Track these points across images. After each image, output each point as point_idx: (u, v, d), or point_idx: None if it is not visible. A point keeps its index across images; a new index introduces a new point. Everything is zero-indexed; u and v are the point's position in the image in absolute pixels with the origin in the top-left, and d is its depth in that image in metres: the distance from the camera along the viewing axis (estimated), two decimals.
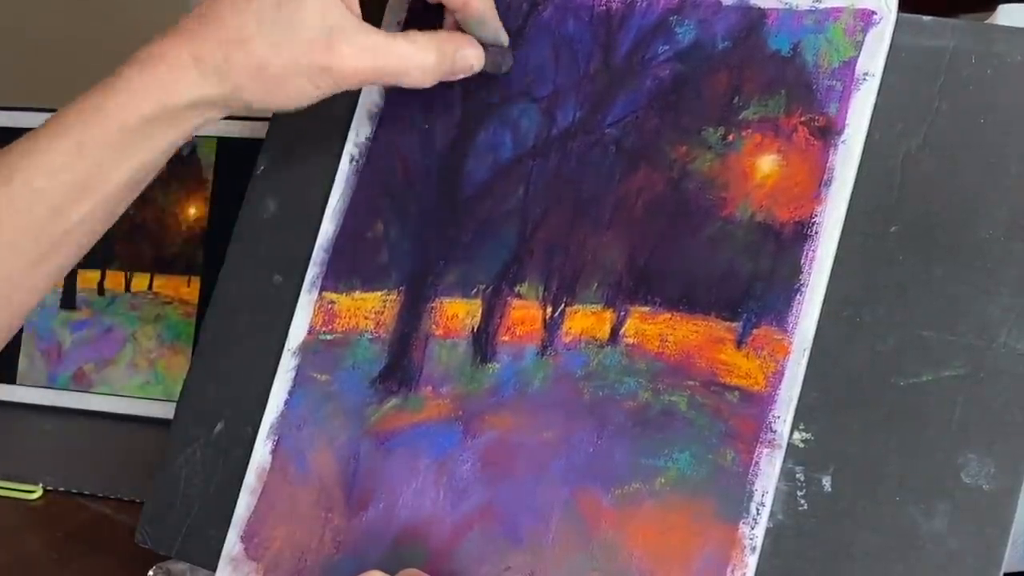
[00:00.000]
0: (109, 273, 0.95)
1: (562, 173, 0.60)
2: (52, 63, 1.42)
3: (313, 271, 0.65)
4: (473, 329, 0.60)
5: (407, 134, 0.64)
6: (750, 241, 0.55)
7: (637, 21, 0.60)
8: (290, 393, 0.63)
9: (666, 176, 0.58)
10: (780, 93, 0.56)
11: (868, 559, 0.50)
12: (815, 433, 0.52)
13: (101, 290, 0.95)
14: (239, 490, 0.63)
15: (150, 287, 0.94)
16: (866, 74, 0.54)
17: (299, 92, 0.58)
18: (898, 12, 0.55)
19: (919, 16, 0.55)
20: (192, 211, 0.94)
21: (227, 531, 0.63)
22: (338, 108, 0.64)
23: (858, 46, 0.55)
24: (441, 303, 0.61)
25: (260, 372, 0.65)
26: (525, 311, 0.59)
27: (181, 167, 0.91)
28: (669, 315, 0.56)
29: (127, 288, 0.95)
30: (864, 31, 0.55)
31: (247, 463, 0.63)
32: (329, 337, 0.63)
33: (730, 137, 0.57)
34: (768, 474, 0.52)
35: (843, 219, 0.54)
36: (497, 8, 0.61)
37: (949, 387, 0.51)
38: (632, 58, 0.60)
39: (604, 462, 0.55)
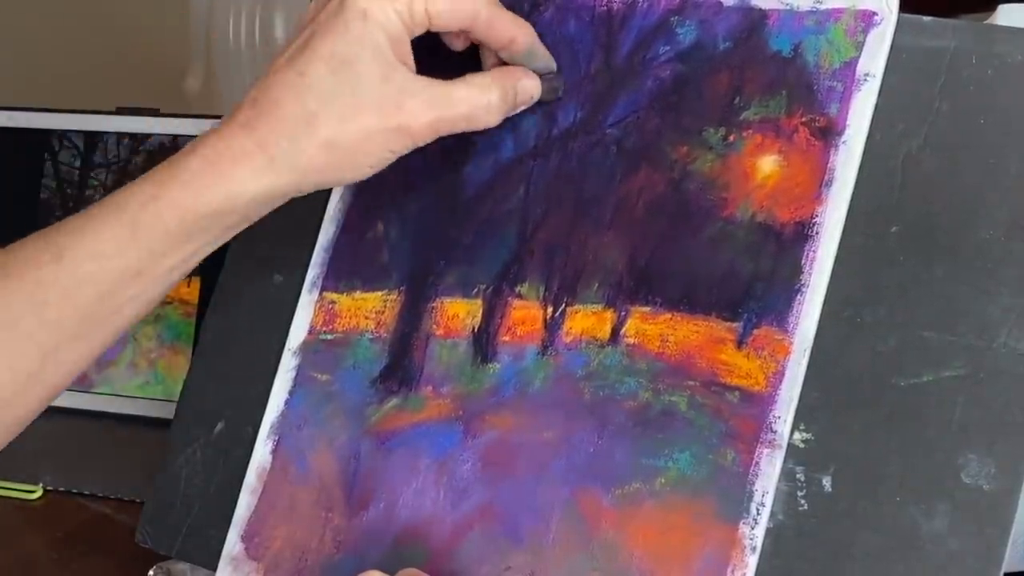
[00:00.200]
0: None
1: (563, 173, 0.60)
2: (52, 63, 1.42)
3: (313, 271, 0.65)
4: (474, 329, 0.60)
5: None
6: (751, 241, 0.55)
7: (638, 21, 0.60)
8: (290, 393, 0.63)
9: (667, 176, 0.58)
10: (781, 94, 0.56)
11: (868, 559, 0.50)
12: (815, 433, 0.52)
13: None
14: (239, 490, 0.63)
15: None
16: (867, 75, 0.54)
17: (373, 159, 0.56)
18: (899, 13, 0.55)
19: (920, 17, 0.55)
20: None
21: (227, 531, 0.63)
22: None
23: (859, 47, 0.55)
24: (442, 303, 0.61)
25: (260, 372, 0.65)
26: (526, 311, 0.59)
27: None
28: (670, 315, 0.56)
29: None
30: (865, 32, 0.55)
31: (247, 463, 0.63)
32: (330, 337, 0.63)
33: (731, 137, 0.57)
34: (768, 474, 0.52)
35: (844, 219, 0.54)
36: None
37: (949, 387, 0.51)
38: (633, 58, 0.60)
39: (604, 462, 0.55)
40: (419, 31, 0.56)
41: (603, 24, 0.61)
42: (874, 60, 0.55)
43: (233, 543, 0.62)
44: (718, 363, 0.54)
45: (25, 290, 0.56)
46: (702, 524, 0.52)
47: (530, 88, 0.59)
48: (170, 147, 0.93)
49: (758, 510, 0.52)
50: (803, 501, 0.52)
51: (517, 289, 0.59)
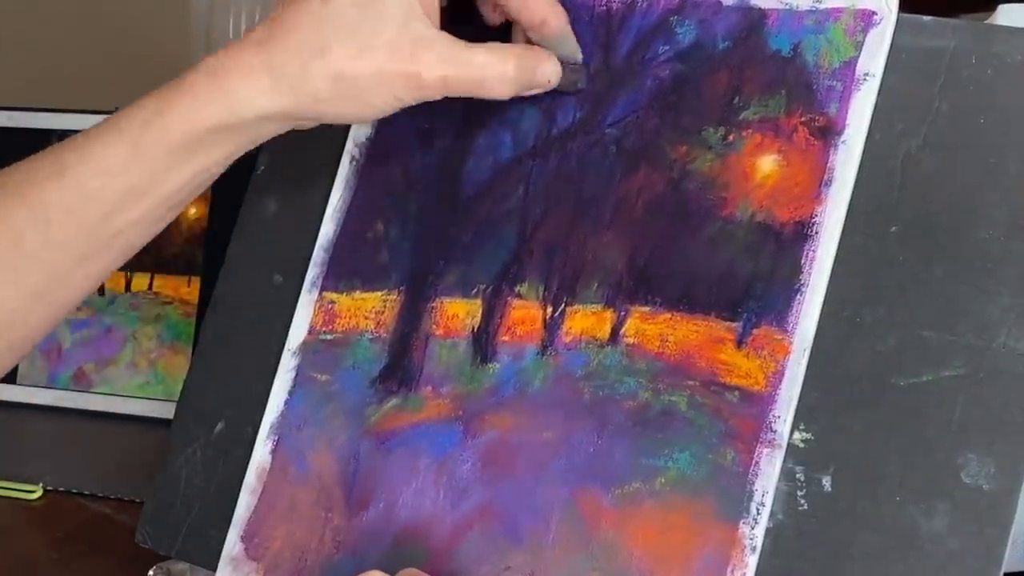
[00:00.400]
0: None
1: (562, 173, 0.60)
2: (52, 63, 1.42)
3: (313, 271, 0.65)
4: (473, 329, 0.60)
5: (407, 134, 0.64)
6: (750, 241, 0.55)
7: (637, 21, 0.60)
8: (290, 393, 0.63)
9: (666, 176, 0.58)
10: (780, 93, 0.56)
11: (868, 559, 0.50)
12: (815, 433, 0.52)
13: (101, 290, 0.95)
14: (239, 490, 0.63)
15: (150, 287, 0.94)
16: (866, 74, 0.54)
17: (380, 102, 0.56)
18: (898, 12, 0.55)
19: (919, 16, 0.55)
20: (192, 211, 0.94)
21: (227, 531, 0.63)
22: None
23: (858, 46, 0.55)
24: (441, 303, 0.61)
25: (260, 372, 0.65)
26: (525, 311, 0.59)
27: None
28: (669, 315, 0.56)
29: (127, 288, 0.95)
30: (864, 31, 0.55)
31: (247, 463, 0.63)
32: (329, 337, 0.63)
33: (730, 137, 0.57)
34: (768, 474, 0.52)
35: (843, 219, 0.54)
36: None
37: (949, 387, 0.51)
38: (632, 58, 0.60)
39: (604, 462, 0.55)
40: None
41: (602, 24, 0.61)
42: (874, 60, 0.54)
43: (233, 543, 0.62)
44: (718, 363, 0.54)
45: (28, 207, 0.56)
46: (702, 524, 0.52)
47: (549, 72, 0.58)
48: None
49: (758, 510, 0.52)
50: (803, 501, 0.52)
51: (517, 289, 0.59)
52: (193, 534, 0.65)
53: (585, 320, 0.57)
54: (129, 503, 0.80)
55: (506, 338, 0.59)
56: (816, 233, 0.54)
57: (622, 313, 0.57)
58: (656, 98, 0.59)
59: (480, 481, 0.57)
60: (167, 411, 0.76)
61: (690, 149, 0.57)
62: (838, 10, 0.56)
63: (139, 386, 0.93)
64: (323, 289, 0.64)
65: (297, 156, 0.68)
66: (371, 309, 0.63)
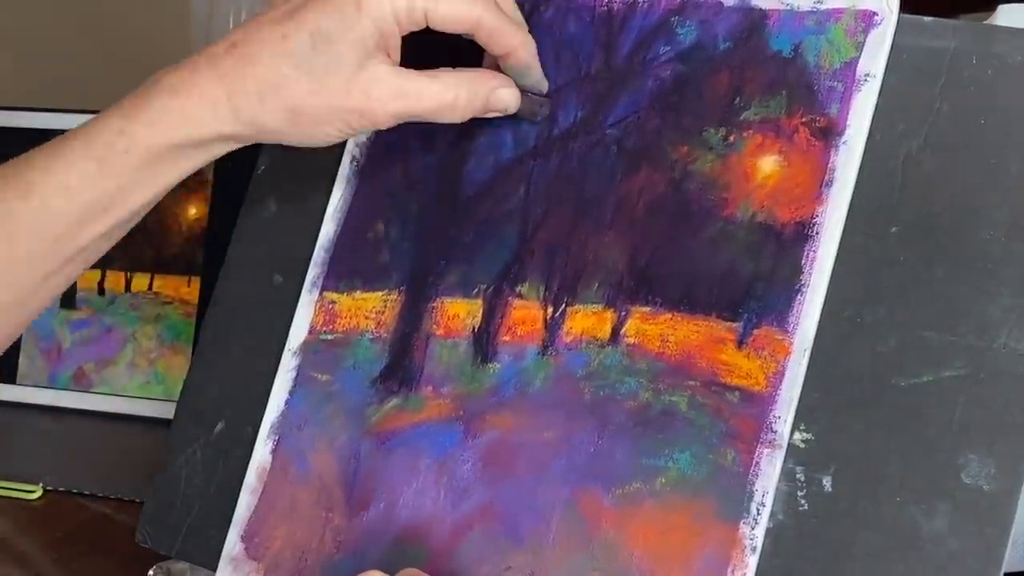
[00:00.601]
0: (109, 273, 0.95)
1: (563, 173, 0.60)
2: (52, 63, 1.42)
3: (314, 271, 0.65)
4: (474, 329, 0.60)
5: (407, 134, 0.64)
6: (751, 241, 0.55)
7: (638, 22, 0.60)
8: (291, 393, 0.63)
9: (667, 176, 0.58)
10: (781, 94, 0.56)
11: (868, 559, 0.50)
12: (816, 433, 0.52)
13: (101, 290, 0.95)
14: (239, 490, 0.63)
15: (150, 287, 0.94)
16: (867, 75, 0.54)
17: (334, 131, 0.58)
18: (899, 13, 0.55)
19: (920, 17, 0.55)
20: (192, 211, 0.94)
21: (227, 531, 0.63)
22: None
23: (859, 47, 0.55)
24: (442, 303, 0.61)
25: (260, 372, 0.65)
26: (526, 311, 0.59)
27: None
28: (670, 315, 0.56)
29: (127, 288, 0.95)
30: (865, 32, 0.55)
31: (247, 463, 0.63)
32: (330, 337, 0.63)
33: (731, 138, 0.57)
34: (768, 474, 0.52)
35: (844, 219, 0.54)
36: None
37: (949, 387, 0.51)
38: (633, 58, 0.60)
39: (605, 462, 0.55)
40: (414, 28, 0.57)
41: (603, 24, 0.61)
42: (874, 60, 0.55)
43: (233, 543, 0.62)
44: (718, 363, 0.54)
45: None
46: (702, 524, 0.52)
47: (506, 98, 0.59)
48: None
49: (758, 510, 0.52)
50: (803, 501, 0.52)
51: (517, 289, 0.59)
52: (193, 534, 0.65)
53: (586, 320, 0.57)
54: (129, 503, 0.80)
55: (507, 338, 0.59)
56: (817, 233, 0.54)
57: (623, 313, 0.57)
58: (657, 98, 0.59)
59: (481, 481, 0.57)
60: (167, 411, 0.76)
61: (691, 149, 0.57)
62: (839, 11, 0.56)
63: (139, 386, 0.93)
64: (323, 289, 0.64)
65: (297, 156, 0.68)
66: (372, 309, 0.63)
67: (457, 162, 0.63)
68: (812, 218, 0.54)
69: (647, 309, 0.56)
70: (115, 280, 0.95)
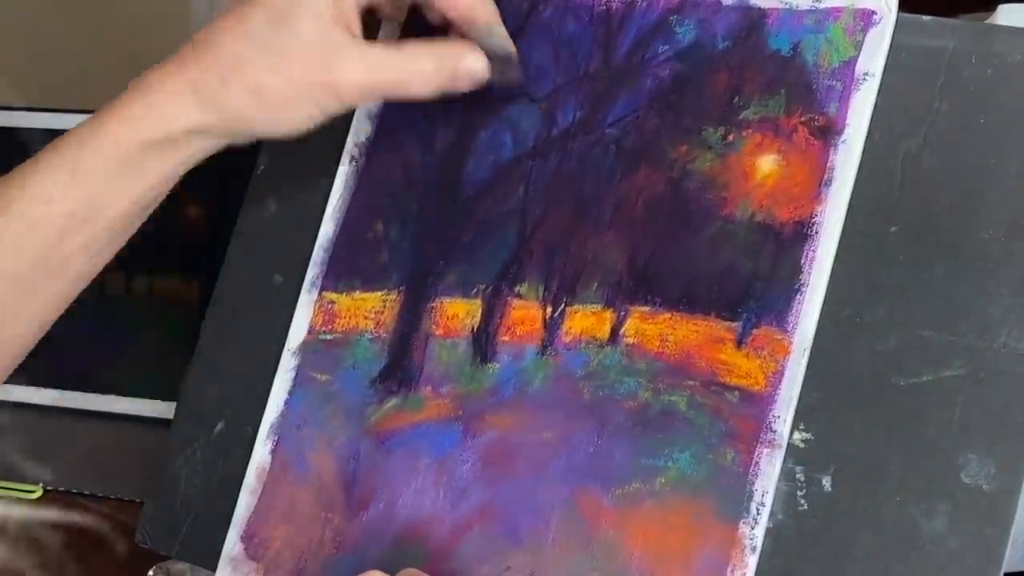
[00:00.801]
0: (109, 273, 0.95)
1: (562, 173, 0.60)
2: (52, 63, 1.42)
3: (313, 271, 0.65)
4: (473, 329, 0.60)
5: (407, 134, 0.64)
6: (750, 241, 0.55)
7: (637, 21, 0.60)
8: (290, 393, 0.63)
9: (666, 176, 0.58)
10: (780, 93, 0.56)
11: (868, 559, 0.50)
12: (815, 433, 0.52)
13: (101, 290, 0.95)
14: (239, 490, 0.63)
15: (150, 287, 0.94)
16: (866, 74, 0.54)
17: (302, 114, 0.57)
18: (898, 12, 0.55)
19: (919, 16, 0.55)
20: (192, 211, 0.94)
21: (227, 531, 0.63)
22: None
23: (858, 46, 0.55)
24: (441, 303, 0.61)
25: (260, 372, 0.65)
26: (525, 311, 0.59)
27: None
28: (669, 315, 0.56)
29: (127, 288, 0.95)
30: (864, 31, 0.55)
31: (247, 463, 0.63)
32: (329, 337, 0.63)
33: (730, 137, 0.57)
34: (768, 474, 0.52)
35: (843, 219, 0.54)
36: (497, 8, 0.61)
37: (949, 387, 0.51)
38: (632, 58, 0.60)
39: (604, 462, 0.55)
40: None
41: (602, 23, 0.61)
42: (873, 59, 0.54)
43: (233, 543, 0.62)
44: (718, 363, 0.54)
45: None
46: (702, 524, 0.52)
47: (473, 65, 0.59)
48: None
49: (758, 510, 0.52)
50: (803, 501, 0.52)
51: (516, 289, 0.59)
52: (193, 534, 0.65)
53: (585, 320, 0.57)
54: (129, 503, 0.80)
55: (506, 338, 0.59)
56: (816, 233, 0.54)
57: (622, 313, 0.57)
58: (656, 98, 0.59)
59: (480, 481, 0.57)
60: (167, 411, 0.76)
61: (690, 149, 0.57)
62: (838, 9, 0.56)
63: (139, 386, 0.92)
64: (323, 289, 0.64)
65: (297, 156, 0.68)
66: (371, 309, 0.63)
67: (456, 162, 0.63)
68: (811, 217, 0.54)
69: (646, 309, 0.56)
70: (115, 280, 0.95)
